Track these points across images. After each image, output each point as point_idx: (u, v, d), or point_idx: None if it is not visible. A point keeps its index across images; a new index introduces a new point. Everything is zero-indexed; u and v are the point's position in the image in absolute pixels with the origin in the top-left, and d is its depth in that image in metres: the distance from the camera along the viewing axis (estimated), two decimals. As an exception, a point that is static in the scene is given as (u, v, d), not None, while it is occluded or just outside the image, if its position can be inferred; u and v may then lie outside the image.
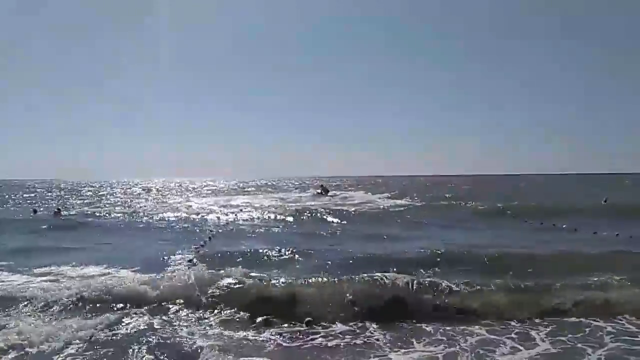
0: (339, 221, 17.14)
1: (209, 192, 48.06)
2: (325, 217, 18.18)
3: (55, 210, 20.55)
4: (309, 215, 18.76)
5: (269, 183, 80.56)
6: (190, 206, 24.73)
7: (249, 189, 52.72)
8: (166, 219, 17.83)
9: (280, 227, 15.50)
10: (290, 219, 17.76)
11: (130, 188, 60.61)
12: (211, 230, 13.73)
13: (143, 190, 53.08)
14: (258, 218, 17.90)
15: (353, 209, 21.53)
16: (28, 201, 31.92)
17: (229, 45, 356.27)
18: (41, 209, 22.54)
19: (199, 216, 18.58)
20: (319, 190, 37.87)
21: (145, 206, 25.49)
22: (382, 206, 24.07)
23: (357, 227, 15.35)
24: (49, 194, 44.65)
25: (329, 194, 36.61)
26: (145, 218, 18.41)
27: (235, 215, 18.58)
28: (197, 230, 14.28)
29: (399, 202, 27.25)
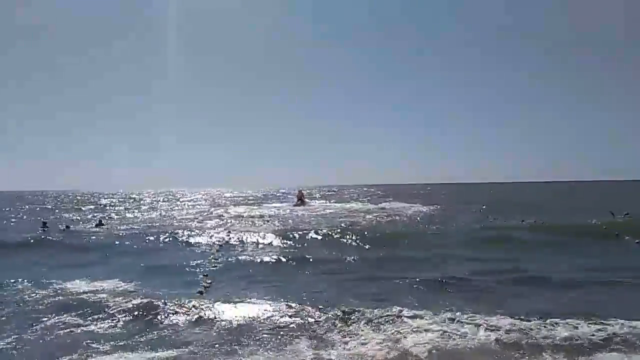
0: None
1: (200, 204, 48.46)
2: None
3: (65, 226, 21.08)
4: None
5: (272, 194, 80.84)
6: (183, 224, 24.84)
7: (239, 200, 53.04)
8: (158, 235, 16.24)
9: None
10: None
11: (125, 200, 61.37)
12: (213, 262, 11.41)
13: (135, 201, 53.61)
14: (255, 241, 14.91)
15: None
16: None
17: (243, 50, 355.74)
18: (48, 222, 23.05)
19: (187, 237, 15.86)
20: (297, 201, 36.13)
21: (134, 220, 25.66)
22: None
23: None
24: (62, 206, 45.50)
25: (307, 203, 35.03)
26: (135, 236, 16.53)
27: (229, 235, 15.83)
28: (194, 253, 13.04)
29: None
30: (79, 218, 27.62)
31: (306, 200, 37.33)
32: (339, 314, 6.63)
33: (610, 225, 16.19)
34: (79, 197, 70.63)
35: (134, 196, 72.03)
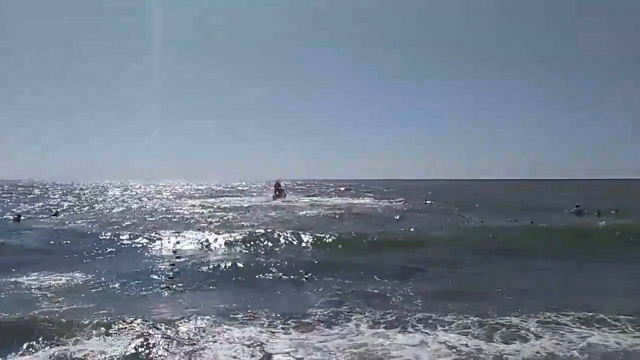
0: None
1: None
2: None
3: (15, 217, 19.60)
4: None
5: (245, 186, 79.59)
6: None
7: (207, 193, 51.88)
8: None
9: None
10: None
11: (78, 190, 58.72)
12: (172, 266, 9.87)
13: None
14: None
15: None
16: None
17: (229, 44, 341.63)
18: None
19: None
20: (275, 193, 34.31)
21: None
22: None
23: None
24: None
25: (286, 198, 32.97)
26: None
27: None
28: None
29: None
30: (34, 208, 25.88)
31: (283, 190, 35.74)
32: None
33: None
34: (38, 186, 66.90)
35: (111, 187, 68.89)
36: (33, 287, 8.01)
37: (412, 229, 15.60)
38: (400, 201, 32.73)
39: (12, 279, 8.52)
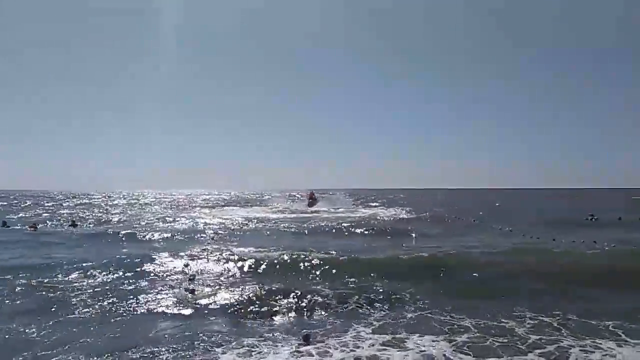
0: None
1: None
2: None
3: (31, 225, 19.87)
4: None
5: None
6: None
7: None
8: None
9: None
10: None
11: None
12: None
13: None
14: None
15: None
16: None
17: (237, 49, 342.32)
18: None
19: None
20: (309, 201, 35.88)
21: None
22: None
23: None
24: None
25: (315, 206, 34.01)
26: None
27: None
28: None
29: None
30: (48, 218, 26.09)
31: (316, 199, 37.20)
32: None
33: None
34: (54, 196, 67.77)
35: (132, 198, 69.27)
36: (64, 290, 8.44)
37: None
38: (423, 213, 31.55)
39: (39, 281, 9.05)
